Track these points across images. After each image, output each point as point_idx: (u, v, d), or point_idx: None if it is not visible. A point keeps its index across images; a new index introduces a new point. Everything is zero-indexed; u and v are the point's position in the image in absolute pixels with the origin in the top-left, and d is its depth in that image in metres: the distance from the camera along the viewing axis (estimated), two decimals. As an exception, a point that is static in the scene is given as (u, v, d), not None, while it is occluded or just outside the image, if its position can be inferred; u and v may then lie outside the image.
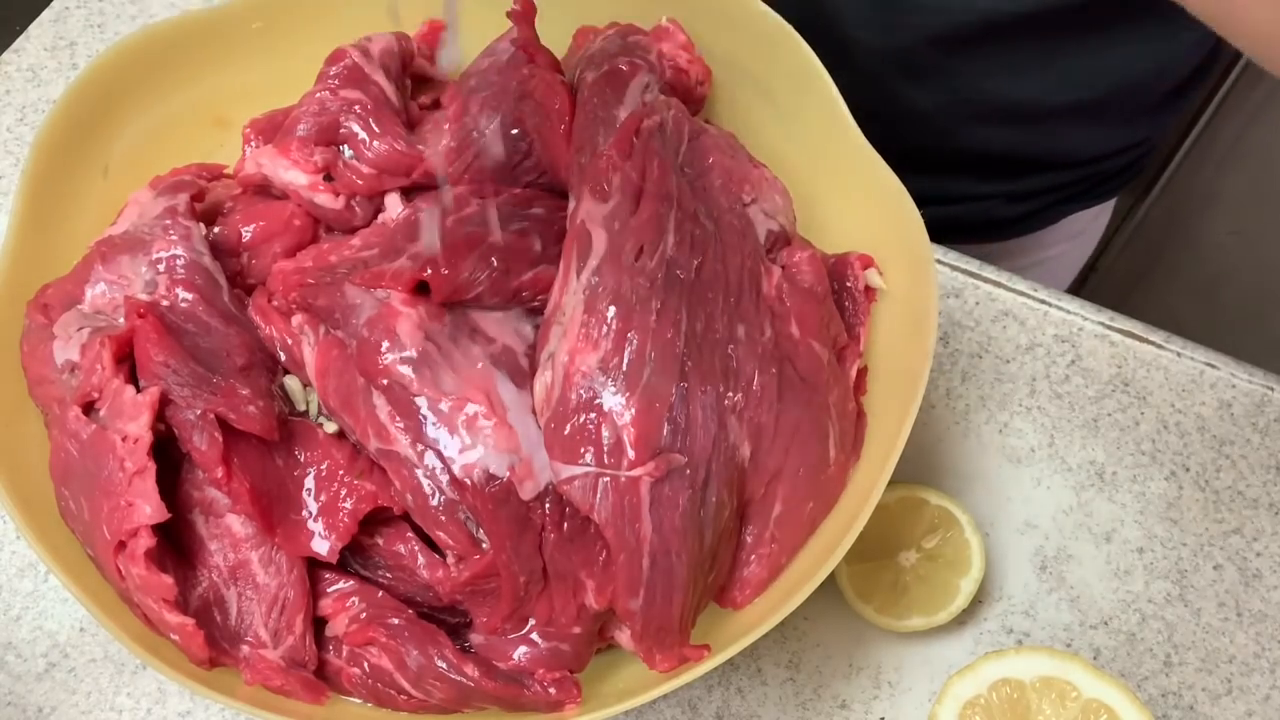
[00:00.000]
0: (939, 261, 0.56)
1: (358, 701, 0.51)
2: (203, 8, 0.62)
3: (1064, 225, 0.84)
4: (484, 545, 0.48)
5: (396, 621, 0.50)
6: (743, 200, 0.54)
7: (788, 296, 0.52)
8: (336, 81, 0.59)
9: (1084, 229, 0.86)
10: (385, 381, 0.48)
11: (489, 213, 0.51)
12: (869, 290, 0.58)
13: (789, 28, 0.59)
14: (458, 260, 0.49)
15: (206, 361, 0.50)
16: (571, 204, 0.50)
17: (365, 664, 0.50)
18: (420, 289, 0.50)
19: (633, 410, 0.46)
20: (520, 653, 0.50)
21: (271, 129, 0.61)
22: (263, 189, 0.58)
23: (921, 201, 0.53)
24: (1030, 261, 0.85)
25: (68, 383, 0.50)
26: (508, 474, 0.47)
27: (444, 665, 0.49)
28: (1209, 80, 0.76)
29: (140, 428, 0.47)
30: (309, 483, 0.50)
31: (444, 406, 0.47)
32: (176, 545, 0.49)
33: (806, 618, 0.60)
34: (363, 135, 0.58)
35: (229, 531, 0.50)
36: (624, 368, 0.46)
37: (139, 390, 0.48)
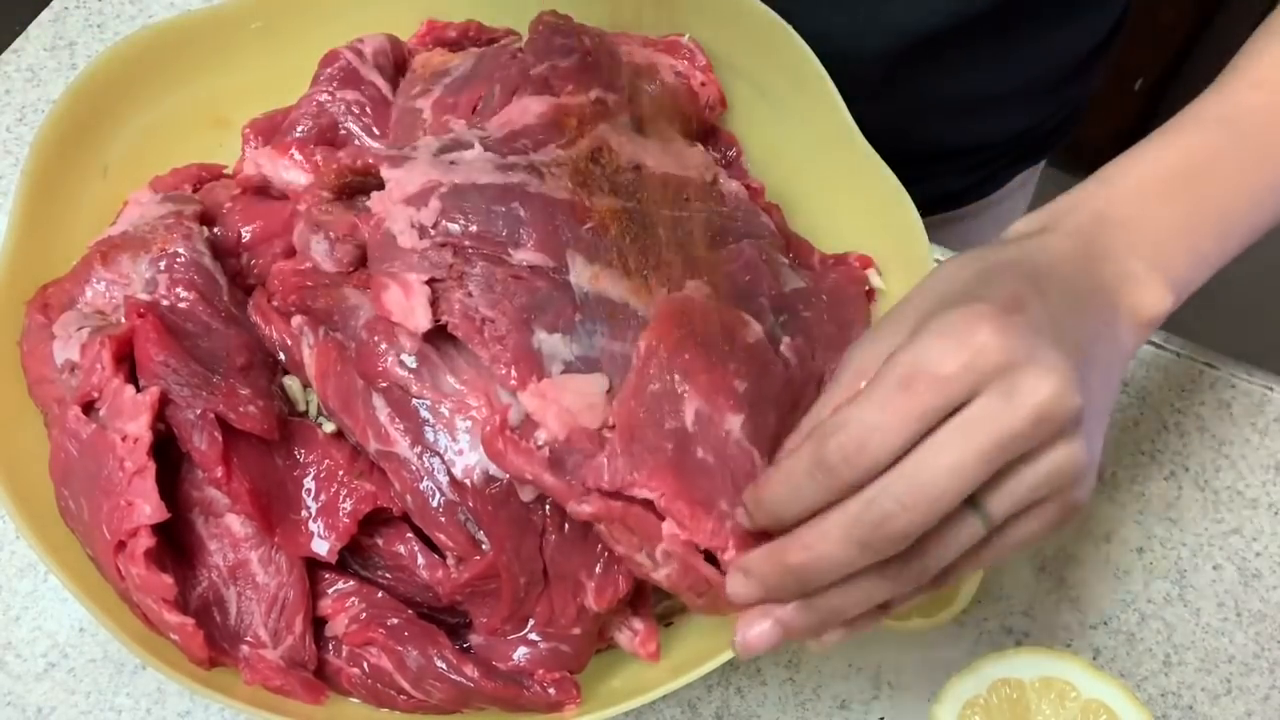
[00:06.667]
0: (938, 261, 0.57)
1: (357, 702, 0.51)
2: (203, 8, 0.62)
3: (1009, 184, 0.88)
4: (484, 546, 0.48)
5: (396, 622, 0.50)
6: None
7: None
8: (334, 83, 0.59)
9: (1025, 180, 0.91)
10: (385, 383, 0.48)
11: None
12: (868, 290, 0.58)
13: (789, 28, 0.59)
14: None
15: (206, 361, 0.50)
16: None
17: (365, 664, 0.50)
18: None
19: None
20: (520, 653, 0.50)
21: (271, 129, 0.61)
22: (262, 189, 0.58)
23: None
24: (981, 221, 0.89)
25: (68, 382, 0.50)
26: (507, 476, 0.47)
27: (443, 665, 0.49)
28: (1124, 31, 0.81)
29: (140, 428, 0.47)
30: (308, 483, 0.50)
31: (444, 408, 0.47)
32: (176, 545, 0.49)
33: (806, 618, 0.60)
34: (362, 135, 0.58)
35: (229, 531, 0.50)
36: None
37: (139, 390, 0.48)
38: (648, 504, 0.45)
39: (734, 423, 0.47)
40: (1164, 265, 0.44)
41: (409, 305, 0.47)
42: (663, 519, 0.45)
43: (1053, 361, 0.37)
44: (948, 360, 0.36)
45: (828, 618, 0.40)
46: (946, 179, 0.81)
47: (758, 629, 0.41)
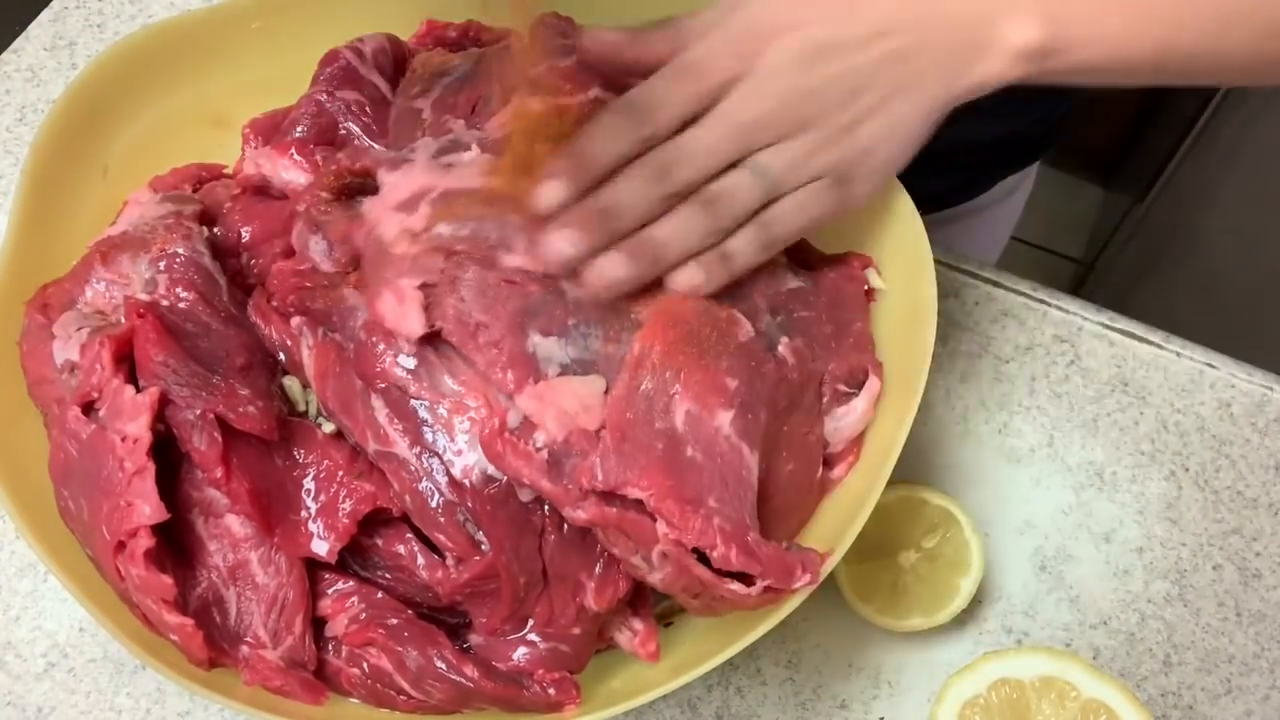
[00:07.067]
0: (937, 261, 0.57)
1: (357, 702, 0.51)
2: (203, 8, 0.62)
3: (995, 188, 0.88)
4: (483, 547, 0.48)
5: (395, 622, 0.50)
6: None
7: None
8: (334, 83, 0.59)
9: (1015, 186, 0.90)
10: (383, 384, 0.48)
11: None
12: (868, 290, 0.58)
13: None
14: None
15: (206, 361, 0.50)
16: None
17: (364, 664, 0.50)
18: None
19: None
20: (520, 653, 0.50)
21: (271, 129, 0.61)
22: (262, 189, 0.58)
23: None
24: (968, 224, 0.89)
25: (67, 383, 0.50)
26: (506, 476, 0.47)
27: (443, 666, 0.49)
28: None
29: (140, 428, 0.47)
30: (308, 483, 0.50)
31: (442, 409, 0.47)
32: (176, 545, 0.49)
33: (806, 618, 0.60)
34: (362, 135, 0.58)
35: (228, 531, 0.50)
36: None
37: (139, 390, 0.48)
38: (641, 507, 0.45)
39: (724, 420, 0.47)
40: (1053, 10, 0.47)
41: (402, 311, 0.47)
42: (654, 520, 0.45)
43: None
44: (717, 57, 0.47)
45: (635, 243, 0.48)
46: (929, 179, 0.81)
47: (606, 264, 0.48)
